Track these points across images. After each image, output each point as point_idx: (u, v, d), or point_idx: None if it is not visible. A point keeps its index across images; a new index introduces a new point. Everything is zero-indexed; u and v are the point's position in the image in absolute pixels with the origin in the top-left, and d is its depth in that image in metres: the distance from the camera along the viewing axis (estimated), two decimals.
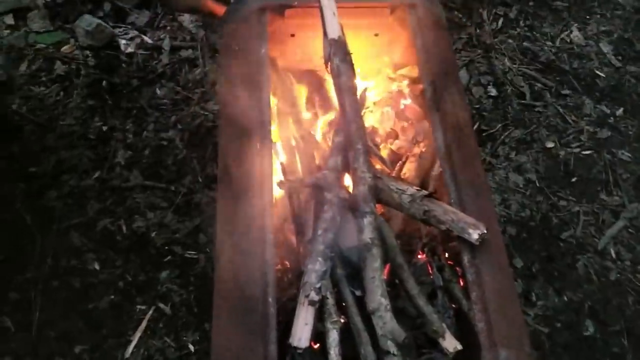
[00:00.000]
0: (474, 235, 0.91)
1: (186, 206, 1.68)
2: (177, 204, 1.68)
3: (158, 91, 1.87)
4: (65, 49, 1.95)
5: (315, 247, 0.97)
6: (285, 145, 1.17)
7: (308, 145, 1.17)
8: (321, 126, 1.27)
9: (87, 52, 1.93)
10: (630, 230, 1.68)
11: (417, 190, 1.01)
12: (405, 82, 1.33)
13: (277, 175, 1.12)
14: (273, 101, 1.20)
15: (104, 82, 1.88)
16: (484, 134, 1.83)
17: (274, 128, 1.17)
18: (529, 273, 1.59)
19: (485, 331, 0.87)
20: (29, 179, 1.70)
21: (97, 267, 1.58)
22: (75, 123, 1.81)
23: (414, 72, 1.28)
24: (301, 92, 1.32)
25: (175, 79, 1.89)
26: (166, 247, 1.62)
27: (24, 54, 1.94)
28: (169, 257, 1.60)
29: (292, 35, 1.30)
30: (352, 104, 1.08)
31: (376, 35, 1.32)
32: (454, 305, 1.05)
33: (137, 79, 1.89)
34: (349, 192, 1.05)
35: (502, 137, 1.84)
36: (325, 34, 1.13)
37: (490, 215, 1.00)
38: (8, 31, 1.98)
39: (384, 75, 1.36)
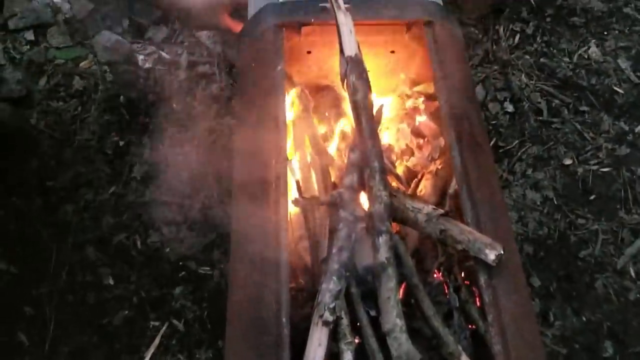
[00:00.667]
0: (491, 255, 0.89)
1: (201, 222, 1.68)
2: (192, 220, 1.68)
3: (175, 106, 1.88)
4: (83, 64, 1.97)
5: (329, 266, 0.96)
6: (301, 162, 1.17)
7: (324, 162, 1.16)
8: (337, 143, 1.26)
9: (105, 67, 1.95)
10: None
11: (433, 209, 1.00)
12: (421, 99, 1.32)
13: (293, 193, 1.12)
14: (289, 117, 1.20)
15: (122, 97, 1.90)
16: (500, 151, 1.82)
17: (290, 144, 1.17)
18: (547, 292, 1.56)
19: (503, 354, 0.85)
20: (46, 193, 1.72)
21: (111, 282, 1.58)
22: (92, 138, 1.83)
23: (430, 88, 1.28)
24: (317, 108, 1.32)
25: (192, 94, 1.90)
26: (180, 263, 1.62)
27: (43, 69, 1.97)
28: (183, 273, 1.60)
29: (309, 52, 1.30)
30: (368, 121, 1.07)
31: (392, 52, 1.32)
32: (470, 326, 1.04)
33: (154, 94, 1.90)
34: (365, 211, 1.05)
35: (519, 153, 1.82)
36: (341, 51, 1.13)
37: (508, 234, 0.98)
38: (28, 47, 2.01)
39: (400, 92, 1.36)
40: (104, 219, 1.68)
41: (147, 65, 1.96)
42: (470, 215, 0.98)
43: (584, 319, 1.53)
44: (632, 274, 1.61)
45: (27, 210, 1.68)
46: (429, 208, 1.01)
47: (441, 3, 1.31)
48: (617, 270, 1.61)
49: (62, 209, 1.69)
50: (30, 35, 2.03)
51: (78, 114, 1.88)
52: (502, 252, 0.89)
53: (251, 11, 1.28)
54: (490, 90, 1.94)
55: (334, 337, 0.94)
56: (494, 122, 1.88)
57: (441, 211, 0.99)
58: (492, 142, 1.83)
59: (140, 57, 1.97)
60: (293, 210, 1.11)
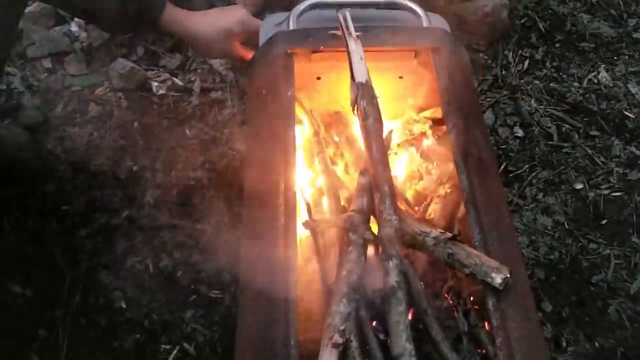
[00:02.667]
0: (497, 279, 0.90)
1: (212, 245, 1.69)
2: (203, 243, 1.69)
3: (188, 132, 1.91)
4: (99, 91, 2.02)
5: (339, 288, 0.97)
6: (311, 185, 1.19)
7: (334, 185, 1.18)
8: (346, 167, 1.28)
9: (120, 94, 1.99)
10: None
11: (441, 232, 1.01)
12: (429, 123, 1.34)
13: (303, 215, 1.13)
14: (299, 141, 1.22)
15: (136, 123, 1.93)
16: (510, 175, 1.82)
17: (300, 168, 1.19)
18: (559, 317, 1.55)
19: None
20: (61, 217, 1.74)
21: (123, 305, 1.59)
22: (107, 163, 1.86)
23: (438, 113, 1.29)
24: (327, 132, 1.34)
25: (204, 120, 1.94)
26: (192, 287, 1.63)
27: (60, 96, 2.01)
28: (194, 297, 1.61)
29: (318, 78, 1.33)
30: (378, 146, 1.09)
31: (401, 77, 1.34)
32: (480, 351, 1.03)
33: (167, 119, 1.94)
34: (374, 234, 1.06)
35: (530, 178, 1.82)
36: (352, 77, 1.16)
37: (516, 258, 0.99)
38: (45, 74, 2.06)
39: (408, 117, 1.37)
40: (117, 243, 1.70)
41: (161, 91, 2.00)
42: (478, 239, 0.98)
43: (597, 344, 1.51)
44: None
45: (43, 234, 1.70)
46: (436, 232, 1.02)
47: (449, 30, 1.34)
48: (630, 295, 1.60)
49: (77, 232, 1.71)
50: (48, 63, 2.08)
51: (93, 140, 1.91)
52: (508, 275, 0.89)
53: (262, 39, 1.31)
54: (500, 115, 1.96)
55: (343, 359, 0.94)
56: (504, 146, 1.89)
57: (449, 235, 1.00)
58: (502, 167, 1.84)
59: (155, 83, 2.00)
60: (303, 233, 1.12)
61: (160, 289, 1.62)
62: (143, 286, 1.63)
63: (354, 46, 1.18)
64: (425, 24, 1.33)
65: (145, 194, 1.79)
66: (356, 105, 1.14)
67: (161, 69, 2.04)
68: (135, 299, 1.61)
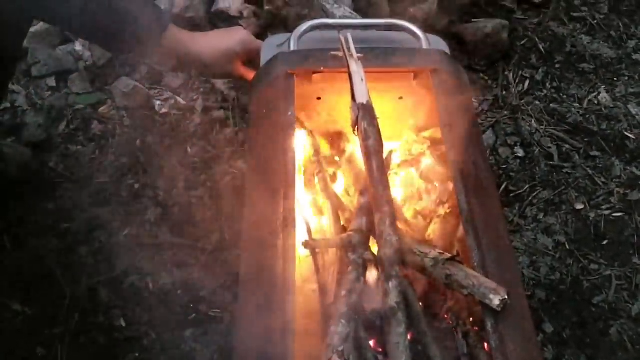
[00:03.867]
0: (495, 301, 0.90)
1: (212, 264, 1.69)
2: (203, 262, 1.70)
3: (189, 150, 1.92)
4: (102, 109, 2.03)
5: (338, 308, 0.97)
6: (311, 205, 1.19)
7: (333, 205, 1.18)
8: (346, 187, 1.28)
9: (123, 112, 2.01)
10: None
11: (440, 253, 1.01)
12: (428, 144, 1.35)
13: (303, 235, 1.13)
14: (300, 160, 1.23)
15: (138, 141, 1.95)
16: (511, 195, 1.83)
17: (300, 187, 1.19)
18: (560, 339, 1.54)
19: None
20: (62, 235, 1.75)
21: (123, 323, 1.59)
22: (109, 181, 1.87)
23: (437, 134, 1.30)
24: (327, 153, 1.34)
25: (206, 139, 1.95)
26: (191, 305, 1.63)
27: (63, 114, 2.03)
28: (194, 315, 1.61)
29: (319, 99, 1.34)
30: (379, 166, 1.10)
31: (400, 98, 1.35)
32: None
33: (169, 138, 1.95)
34: (374, 254, 1.06)
35: (530, 198, 1.82)
36: (353, 98, 1.17)
37: (515, 279, 0.99)
38: (49, 92, 2.08)
39: (408, 138, 1.38)
40: (117, 261, 1.70)
41: (164, 110, 2.01)
42: (477, 260, 0.99)
43: None
44: None
45: (43, 252, 1.71)
46: (435, 252, 1.02)
47: (448, 51, 1.35)
48: (632, 316, 1.59)
49: (77, 250, 1.71)
50: (52, 82, 2.10)
51: (95, 158, 1.92)
52: (506, 297, 0.89)
53: (264, 59, 1.33)
54: (500, 135, 1.97)
55: None
56: (504, 166, 1.89)
57: (448, 255, 1.00)
58: (502, 187, 1.84)
59: (157, 102, 2.02)
60: (302, 253, 1.13)
61: (160, 307, 1.62)
62: (143, 304, 1.63)
63: (355, 67, 1.19)
64: (424, 45, 1.34)
65: (146, 212, 1.80)
66: (357, 126, 1.15)
67: (164, 88, 2.06)
68: (135, 317, 1.60)
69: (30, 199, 1.80)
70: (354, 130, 1.16)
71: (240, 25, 2.03)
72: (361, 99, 1.16)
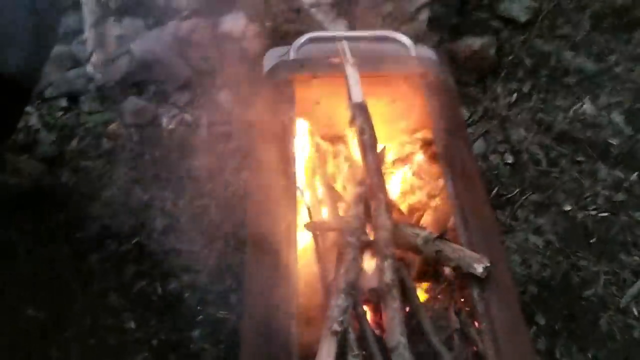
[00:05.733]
0: (479, 268, 0.98)
1: (218, 268, 1.77)
2: (209, 267, 1.77)
3: (195, 163, 2.02)
4: (112, 127, 2.13)
5: (337, 285, 1.05)
6: (312, 198, 1.28)
7: (333, 197, 1.27)
8: (344, 183, 1.37)
9: (132, 129, 2.11)
10: None
11: (430, 233, 1.10)
12: (419, 144, 1.44)
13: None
14: (301, 159, 1.33)
15: (146, 156, 2.04)
16: (502, 198, 1.91)
17: (302, 181, 1.28)
18: (552, 331, 1.61)
19: (495, 358, 0.92)
20: (74, 243, 1.83)
21: (132, 325, 1.66)
22: (119, 193, 1.96)
23: (428, 135, 1.40)
24: (327, 151, 1.43)
25: (211, 152, 2.04)
26: (199, 308, 1.70)
27: (75, 132, 2.13)
28: (201, 317, 1.68)
29: (318, 103, 1.44)
30: (374, 158, 1.20)
31: (393, 101, 1.45)
32: (471, 349, 1.10)
33: (176, 152, 2.05)
34: (370, 238, 1.14)
35: (521, 201, 1.91)
36: (350, 98, 1.27)
37: (499, 252, 1.06)
38: (62, 112, 2.19)
39: (401, 139, 1.48)
40: (126, 268, 1.78)
41: (171, 126, 2.12)
42: (464, 237, 1.07)
43: (589, 356, 1.57)
44: (635, 312, 1.65)
45: (56, 260, 1.78)
46: (426, 232, 1.11)
47: (435, 57, 1.46)
48: (620, 309, 1.66)
49: (89, 258, 1.79)
50: (64, 102, 2.21)
51: (105, 172, 2.02)
52: (488, 264, 0.97)
53: (266, 67, 1.43)
54: (491, 143, 2.06)
55: (342, 351, 1.01)
56: (495, 172, 1.98)
57: (436, 234, 1.08)
58: (494, 191, 1.93)
59: (165, 119, 2.13)
60: (303, 245, 1.21)
61: (168, 310, 1.69)
62: (151, 308, 1.70)
63: (351, 71, 1.30)
64: (413, 53, 1.45)
65: (154, 222, 1.88)
66: (353, 123, 1.25)
67: (171, 105, 2.17)
68: (144, 320, 1.67)
69: (43, 211, 1.88)
70: (350, 127, 1.27)
71: (244, 47, 2.16)
72: (357, 98, 1.27)
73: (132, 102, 2.12)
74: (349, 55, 1.31)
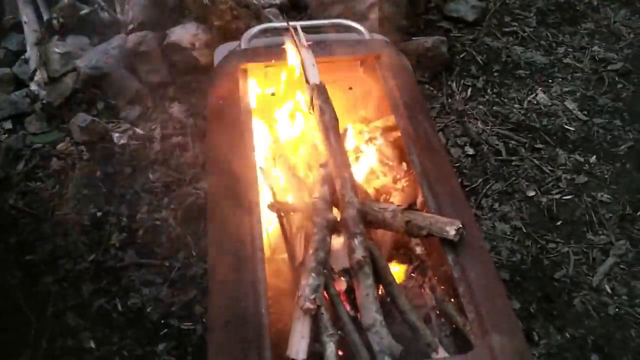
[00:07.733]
0: (452, 231, 0.94)
1: (181, 280, 1.69)
2: (171, 279, 1.69)
3: (151, 176, 1.94)
4: (61, 146, 2.05)
5: (307, 265, 0.99)
6: (276, 183, 1.23)
7: (296, 181, 1.23)
8: (307, 164, 1.33)
9: (82, 147, 2.03)
10: (621, 266, 1.70)
11: (397, 206, 1.06)
12: (379, 131, 1.41)
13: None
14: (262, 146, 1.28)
15: (98, 172, 1.96)
16: (466, 189, 1.90)
17: (263, 166, 1.24)
18: (528, 313, 1.58)
19: (476, 320, 0.88)
20: (25, 266, 1.72)
21: (93, 345, 1.56)
22: (71, 212, 1.86)
23: (389, 122, 1.37)
24: (286, 138, 1.39)
25: (167, 164, 1.98)
26: (162, 321, 1.61)
27: (21, 154, 2.04)
28: (165, 330, 1.59)
29: (273, 95, 1.40)
30: (336, 138, 1.16)
31: (350, 88, 1.43)
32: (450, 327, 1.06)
33: (130, 166, 1.97)
34: (336, 218, 1.10)
35: (484, 190, 1.90)
36: (307, 80, 1.24)
37: (468, 217, 1.03)
38: (6, 135, 2.09)
39: (361, 126, 1.45)
40: (83, 286, 1.68)
41: (122, 141, 2.04)
42: (433, 205, 1.03)
43: (567, 335, 1.54)
44: (608, 290, 1.64)
45: (7, 285, 1.68)
46: (394, 206, 1.07)
47: (387, 40, 1.44)
48: (593, 287, 1.65)
49: (42, 280, 1.69)
50: (8, 125, 2.12)
51: (56, 192, 1.92)
52: (460, 225, 0.94)
53: (218, 58, 1.39)
54: (450, 137, 2.06)
55: (317, 332, 0.95)
56: (457, 164, 1.98)
57: (404, 206, 1.04)
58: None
59: (116, 134, 2.05)
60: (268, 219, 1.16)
61: (131, 325, 1.60)
62: (112, 325, 1.60)
63: (306, 53, 1.27)
64: (367, 37, 1.43)
65: (110, 238, 1.79)
66: (312, 105, 1.21)
67: (122, 120, 2.09)
68: (105, 338, 1.57)
69: None
70: (309, 109, 1.23)
71: (194, 56, 2.11)
72: (314, 80, 1.23)
73: (81, 119, 2.04)
74: (302, 38, 1.28)
